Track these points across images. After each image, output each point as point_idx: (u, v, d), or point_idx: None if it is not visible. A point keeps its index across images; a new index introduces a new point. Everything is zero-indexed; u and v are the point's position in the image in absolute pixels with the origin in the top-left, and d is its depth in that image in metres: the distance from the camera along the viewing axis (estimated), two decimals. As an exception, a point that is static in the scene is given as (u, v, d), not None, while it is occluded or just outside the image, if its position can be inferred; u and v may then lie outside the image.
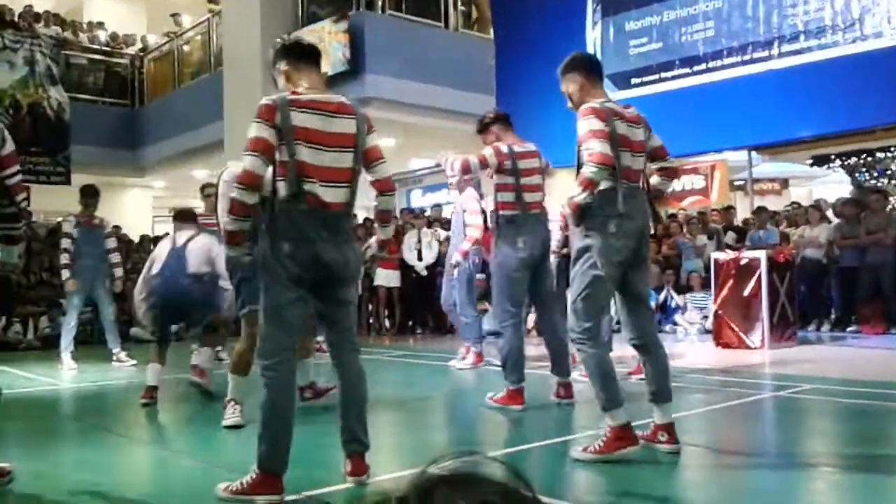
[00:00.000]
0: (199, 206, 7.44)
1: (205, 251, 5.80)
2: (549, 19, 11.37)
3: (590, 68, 3.84)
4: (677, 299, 10.30)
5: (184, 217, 6.17)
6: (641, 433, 3.85)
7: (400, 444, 4.44)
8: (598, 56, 10.74)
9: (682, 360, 7.23)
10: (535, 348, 8.31)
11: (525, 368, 4.97)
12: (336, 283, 3.23)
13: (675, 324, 10.18)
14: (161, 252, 5.89)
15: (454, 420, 4.75)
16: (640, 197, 3.71)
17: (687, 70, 10.34)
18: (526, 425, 4.67)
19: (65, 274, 7.94)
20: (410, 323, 11.57)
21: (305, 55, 3.34)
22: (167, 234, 6.15)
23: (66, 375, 7.45)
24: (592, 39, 11.22)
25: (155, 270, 5.75)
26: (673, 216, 12.18)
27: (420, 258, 10.71)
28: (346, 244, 3.21)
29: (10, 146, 3.56)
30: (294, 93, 3.16)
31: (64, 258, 7.94)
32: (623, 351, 5.74)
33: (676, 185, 12.91)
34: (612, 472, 3.51)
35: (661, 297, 10.37)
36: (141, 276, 5.97)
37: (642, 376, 4.21)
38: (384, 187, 3.40)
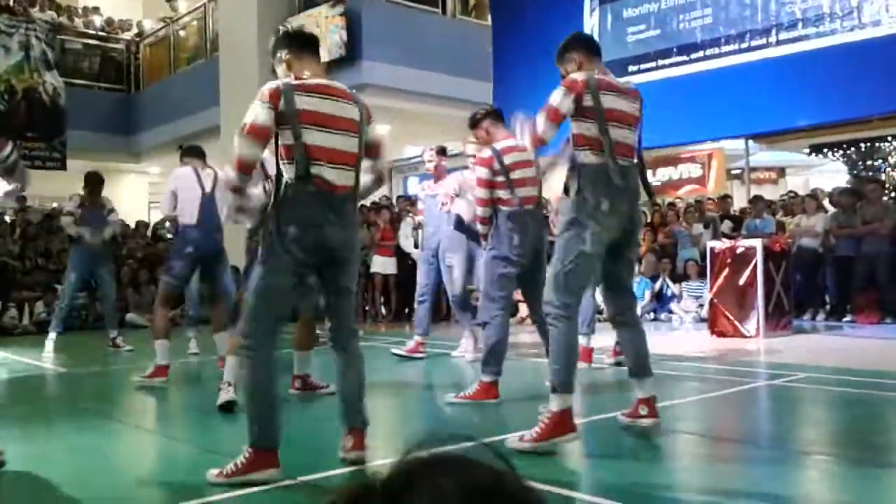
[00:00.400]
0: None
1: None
2: (547, 6, 11.33)
3: (588, 45, 3.81)
4: (673, 288, 10.31)
5: (194, 152, 6.14)
6: (624, 411, 3.90)
7: (394, 430, 4.44)
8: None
9: (677, 349, 7.24)
10: (529, 336, 8.32)
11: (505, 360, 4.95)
12: (339, 266, 3.27)
13: (671, 312, 10.20)
14: (186, 189, 5.80)
15: (449, 407, 4.76)
16: (632, 174, 3.65)
17: (685, 58, 10.32)
18: (519, 412, 4.67)
19: (72, 229, 7.73)
20: (406, 310, 11.57)
21: (307, 44, 3.37)
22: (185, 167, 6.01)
23: (46, 360, 7.37)
24: (590, 26, 11.18)
25: (191, 219, 5.72)
26: (671, 205, 12.18)
27: (416, 245, 10.69)
28: (350, 227, 3.27)
29: None
30: (298, 78, 3.20)
31: (66, 219, 7.82)
32: (609, 341, 5.78)
33: (673, 174, 12.92)
34: (604, 460, 3.52)
35: (657, 285, 10.38)
36: (167, 206, 5.89)
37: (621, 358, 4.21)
38: (380, 183, 3.54)
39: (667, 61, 10.48)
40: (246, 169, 3.11)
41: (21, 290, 10.96)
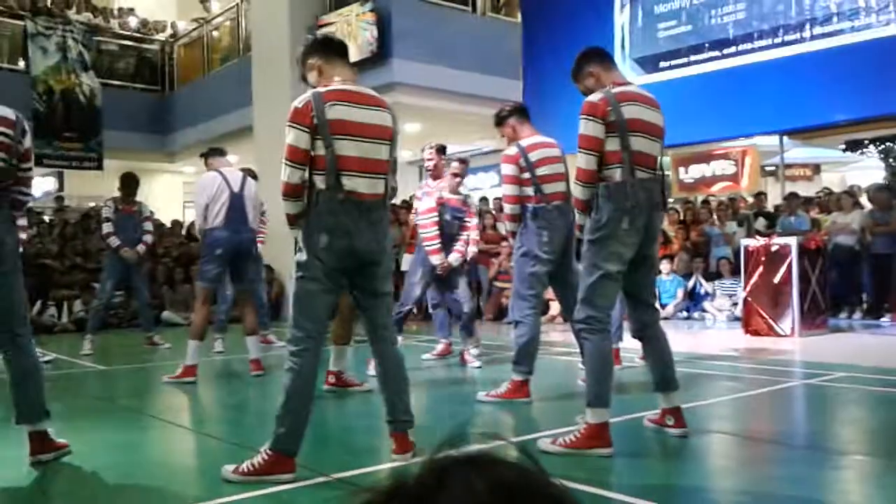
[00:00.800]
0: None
1: (255, 202, 5.98)
2: (577, 3, 11.27)
3: (601, 55, 3.77)
4: (706, 286, 10.22)
5: (216, 153, 6.25)
6: (651, 416, 3.89)
7: (425, 428, 4.45)
8: (627, 39, 10.64)
9: (711, 348, 7.18)
10: (560, 334, 8.30)
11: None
12: (370, 269, 3.28)
13: (704, 311, 10.11)
14: (213, 191, 5.85)
15: (480, 406, 4.76)
16: (654, 187, 3.60)
17: (717, 53, 10.20)
18: (550, 411, 4.67)
19: (114, 241, 7.81)
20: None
21: (337, 49, 3.41)
22: (213, 172, 6.07)
23: (84, 357, 7.48)
24: (620, 22, 11.11)
25: (219, 221, 5.77)
26: (704, 202, 12.07)
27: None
28: (381, 232, 3.27)
29: (29, 140, 3.57)
30: (328, 85, 3.23)
31: (107, 226, 7.89)
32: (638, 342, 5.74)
33: (706, 171, 12.79)
34: (637, 459, 3.51)
35: (690, 283, 10.30)
36: (202, 219, 5.90)
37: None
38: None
39: (699, 57, 10.36)
40: (292, 191, 3.16)
41: (60, 288, 11.16)
